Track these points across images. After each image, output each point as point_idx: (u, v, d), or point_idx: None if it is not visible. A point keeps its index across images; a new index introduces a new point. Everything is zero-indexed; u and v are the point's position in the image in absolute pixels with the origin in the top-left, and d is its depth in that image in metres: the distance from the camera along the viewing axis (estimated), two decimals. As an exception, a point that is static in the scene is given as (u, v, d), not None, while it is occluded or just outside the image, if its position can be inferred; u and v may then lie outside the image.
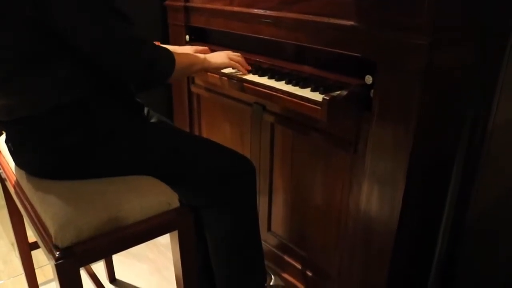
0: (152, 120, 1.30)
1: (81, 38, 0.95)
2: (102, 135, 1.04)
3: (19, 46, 0.94)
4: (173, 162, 1.13)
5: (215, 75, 1.42)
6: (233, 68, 1.38)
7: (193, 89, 1.79)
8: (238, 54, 1.40)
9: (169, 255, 1.87)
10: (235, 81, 1.35)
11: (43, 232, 0.95)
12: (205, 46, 1.56)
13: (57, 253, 0.88)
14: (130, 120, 1.12)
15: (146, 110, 1.28)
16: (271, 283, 1.53)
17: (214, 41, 1.66)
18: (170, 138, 1.17)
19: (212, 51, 1.51)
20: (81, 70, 0.99)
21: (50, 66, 0.96)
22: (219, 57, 1.34)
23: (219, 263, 1.28)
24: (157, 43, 1.44)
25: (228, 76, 1.38)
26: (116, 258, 1.79)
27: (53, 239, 0.90)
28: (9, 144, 1.09)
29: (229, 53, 1.38)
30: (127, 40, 1.00)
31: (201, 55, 1.31)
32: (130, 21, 1.01)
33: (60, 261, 0.88)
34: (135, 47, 1.01)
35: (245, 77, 1.34)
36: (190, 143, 1.20)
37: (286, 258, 1.59)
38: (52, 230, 0.91)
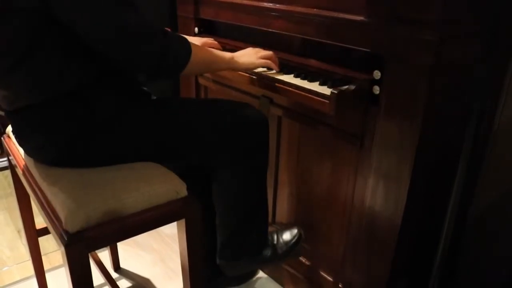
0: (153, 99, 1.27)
1: (82, 30, 0.93)
2: (101, 123, 1.04)
3: (19, 38, 0.93)
4: (186, 133, 1.13)
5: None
6: (262, 67, 1.33)
7: (201, 81, 1.80)
8: (270, 52, 1.30)
9: (174, 245, 1.90)
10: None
11: (53, 218, 0.96)
12: (213, 38, 1.57)
13: (67, 238, 0.90)
14: (130, 106, 1.10)
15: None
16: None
17: (222, 34, 1.67)
18: (179, 109, 1.16)
19: (220, 43, 1.52)
20: (78, 59, 0.99)
21: (46, 55, 0.96)
22: (248, 56, 1.27)
23: (224, 220, 1.29)
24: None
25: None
26: (121, 247, 1.81)
27: (63, 224, 0.92)
28: (15, 134, 1.11)
29: (259, 50, 1.30)
30: (136, 31, 0.96)
31: (228, 54, 1.23)
32: (137, 9, 0.97)
33: (70, 246, 0.90)
34: (145, 38, 0.98)
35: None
36: (201, 108, 1.20)
37: (290, 250, 1.60)
38: (62, 216, 0.92)
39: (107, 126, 1.04)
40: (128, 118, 1.07)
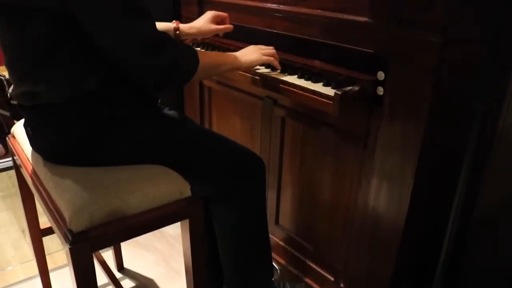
0: (165, 111, 1.31)
1: (99, 40, 0.95)
2: (115, 124, 1.05)
3: (43, 37, 0.95)
4: (185, 152, 1.14)
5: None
6: (265, 67, 1.33)
7: (204, 81, 1.81)
8: (271, 48, 1.30)
9: (177, 246, 1.90)
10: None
11: (57, 217, 0.97)
12: (216, 40, 1.58)
13: (71, 237, 0.90)
14: (143, 109, 1.12)
15: (159, 101, 1.29)
16: (276, 277, 1.54)
17: (226, 35, 1.67)
18: (183, 128, 1.18)
19: (224, 44, 1.53)
20: (101, 59, 1.00)
21: (70, 55, 0.97)
22: (251, 53, 1.26)
23: (225, 256, 1.30)
24: (176, 22, 1.43)
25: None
26: (125, 247, 1.82)
27: (67, 224, 0.92)
28: (28, 128, 1.11)
29: (261, 47, 1.29)
30: (152, 43, 0.97)
31: (231, 54, 1.23)
32: (150, 17, 0.98)
33: (74, 245, 0.90)
34: (160, 50, 0.98)
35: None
36: (203, 135, 1.21)
37: (293, 251, 1.60)
38: (66, 215, 0.93)
39: (118, 129, 1.06)
40: (138, 123, 1.09)
